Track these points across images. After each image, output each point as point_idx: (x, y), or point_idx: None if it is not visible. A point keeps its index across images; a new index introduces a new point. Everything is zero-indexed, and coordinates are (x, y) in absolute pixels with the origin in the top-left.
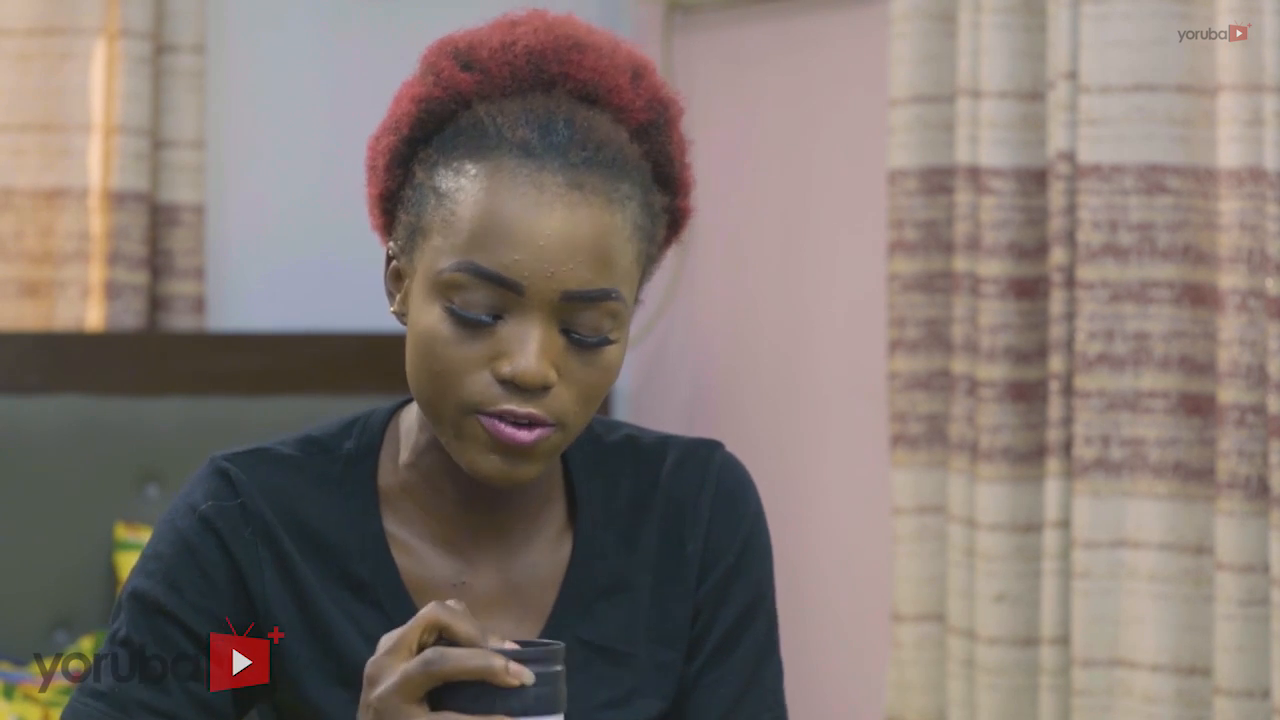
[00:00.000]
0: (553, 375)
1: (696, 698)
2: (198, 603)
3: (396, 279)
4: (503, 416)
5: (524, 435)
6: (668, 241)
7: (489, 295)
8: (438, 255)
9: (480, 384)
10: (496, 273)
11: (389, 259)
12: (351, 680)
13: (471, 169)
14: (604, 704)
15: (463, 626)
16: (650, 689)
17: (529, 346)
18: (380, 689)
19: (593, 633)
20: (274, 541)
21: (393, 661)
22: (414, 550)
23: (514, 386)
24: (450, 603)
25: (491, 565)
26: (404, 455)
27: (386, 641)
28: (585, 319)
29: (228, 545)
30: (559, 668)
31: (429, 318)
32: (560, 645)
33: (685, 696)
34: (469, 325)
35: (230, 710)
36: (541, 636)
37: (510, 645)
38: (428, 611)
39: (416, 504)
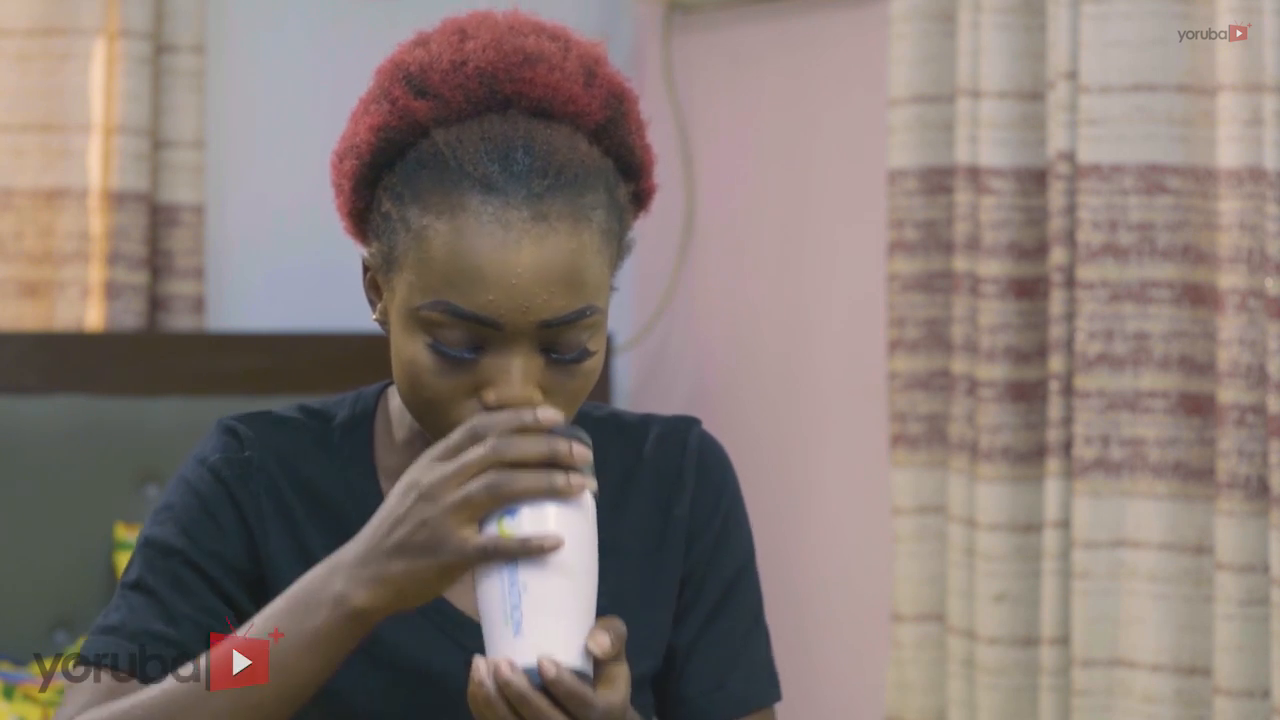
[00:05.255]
0: (537, 396)
1: (690, 667)
2: (210, 548)
3: (375, 288)
4: None
5: None
6: (635, 219)
7: (467, 332)
8: (412, 291)
9: (469, 410)
10: (473, 313)
11: (366, 268)
12: None
13: (437, 205)
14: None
15: (528, 449)
16: (642, 648)
17: (512, 376)
18: (437, 508)
19: None
20: (279, 495)
21: (450, 484)
22: None
23: None
24: (504, 418)
25: None
26: (399, 433)
27: (440, 455)
28: (564, 340)
29: (235, 495)
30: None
31: (411, 349)
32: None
33: (679, 665)
34: (451, 360)
35: None
36: None
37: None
38: (490, 453)
39: None
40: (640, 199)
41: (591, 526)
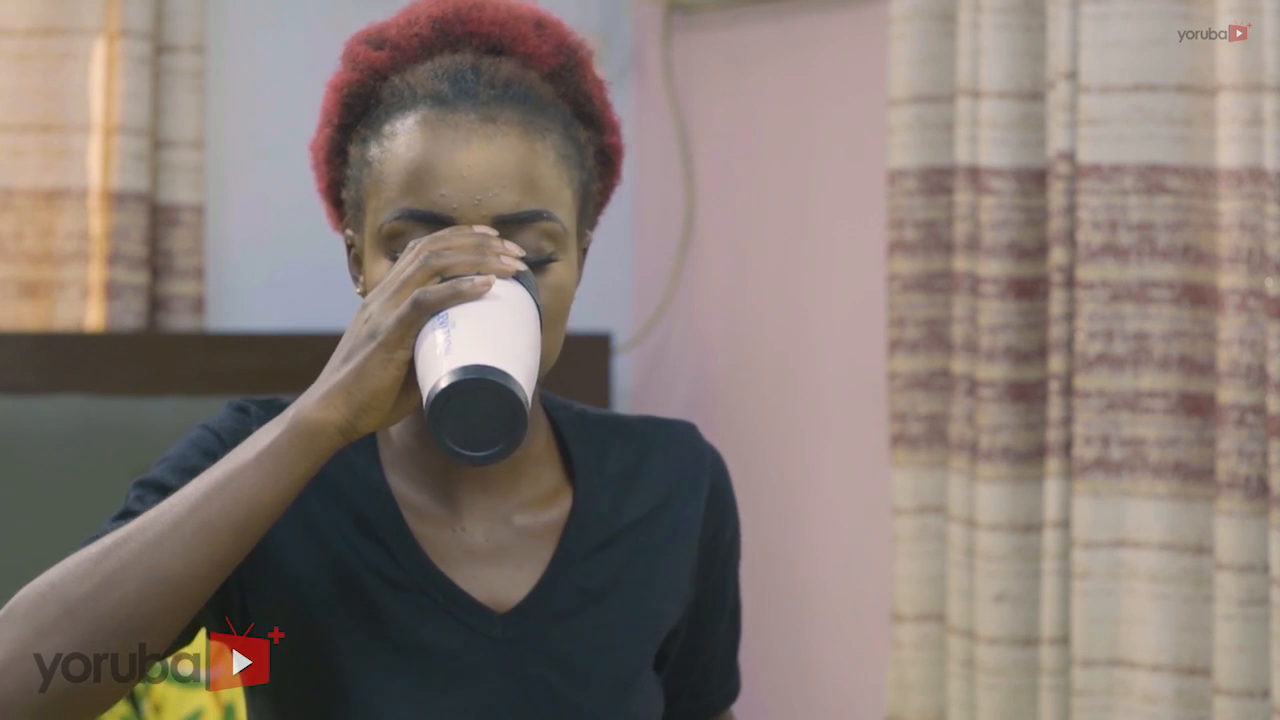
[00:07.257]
0: None
1: (713, 668)
2: None
3: (358, 263)
4: None
5: None
6: (607, 182)
7: (425, 235)
8: (376, 215)
9: None
10: (426, 210)
11: (349, 246)
12: (352, 603)
13: (393, 130)
14: (597, 649)
15: (459, 240)
16: (642, 637)
17: None
18: (377, 302)
19: (589, 581)
20: None
21: (388, 285)
22: (415, 504)
23: None
24: (441, 232)
25: (490, 520)
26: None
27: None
28: (523, 241)
29: None
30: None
31: (377, 271)
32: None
33: (703, 666)
34: None
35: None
36: (541, 585)
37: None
38: (425, 243)
39: (415, 463)
40: (607, 157)
41: (527, 297)
